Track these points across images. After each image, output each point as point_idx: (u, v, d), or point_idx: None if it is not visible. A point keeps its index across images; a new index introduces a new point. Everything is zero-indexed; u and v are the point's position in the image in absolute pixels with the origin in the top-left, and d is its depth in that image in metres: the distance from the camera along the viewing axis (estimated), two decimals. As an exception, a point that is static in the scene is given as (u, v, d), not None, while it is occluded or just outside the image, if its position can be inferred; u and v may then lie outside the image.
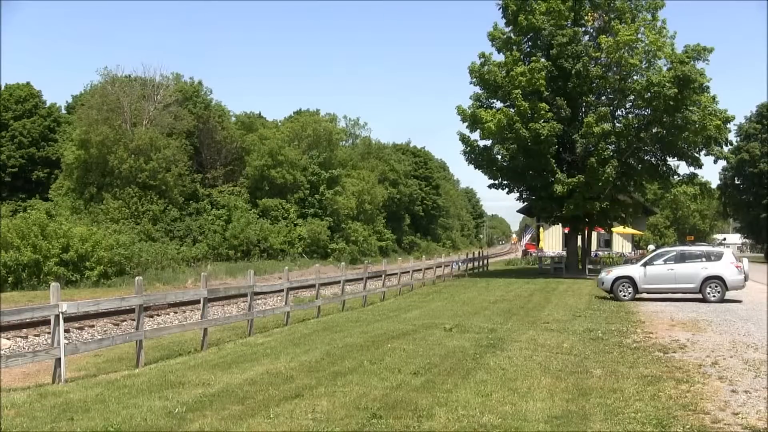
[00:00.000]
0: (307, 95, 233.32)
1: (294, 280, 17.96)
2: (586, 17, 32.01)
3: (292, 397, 7.49)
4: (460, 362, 9.67)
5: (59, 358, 8.77)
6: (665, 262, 20.27)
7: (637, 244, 46.84)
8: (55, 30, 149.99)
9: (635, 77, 30.39)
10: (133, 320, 12.12)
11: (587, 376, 8.75)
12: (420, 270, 30.58)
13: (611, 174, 29.57)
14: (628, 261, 30.97)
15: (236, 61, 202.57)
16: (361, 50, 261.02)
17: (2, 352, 12.12)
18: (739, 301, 19.48)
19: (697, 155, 31.52)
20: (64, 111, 55.31)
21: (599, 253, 44.27)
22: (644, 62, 30.19)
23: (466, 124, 31.87)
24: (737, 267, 19.69)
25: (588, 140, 29.91)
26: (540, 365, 9.45)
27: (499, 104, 32.41)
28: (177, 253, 39.03)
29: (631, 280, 20.21)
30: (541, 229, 47.98)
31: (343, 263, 23.13)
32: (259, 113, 61.55)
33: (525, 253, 59.62)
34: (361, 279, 21.86)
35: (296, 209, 51.42)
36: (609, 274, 20.80)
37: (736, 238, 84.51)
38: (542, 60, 30.65)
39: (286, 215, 50.37)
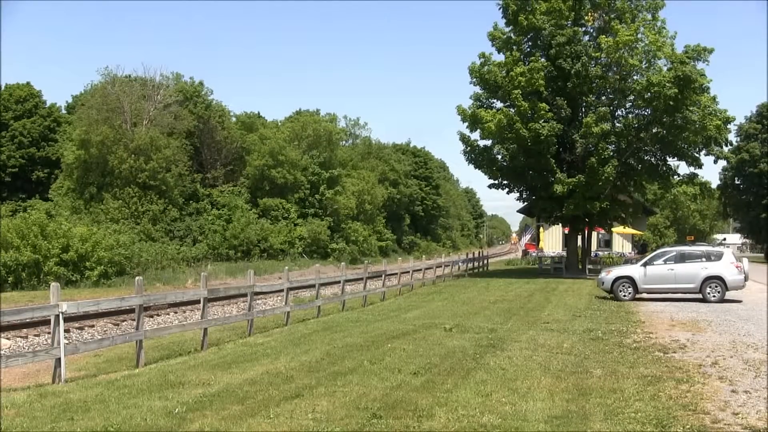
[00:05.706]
0: (307, 95, 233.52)
1: (294, 280, 17.94)
2: (586, 17, 32.02)
3: (292, 397, 7.49)
4: (460, 362, 9.67)
5: (59, 358, 8.78)
6: (665, 262, 20.26)
7: (636, 244, 46.86)
8: (55, 30, 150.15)
9: (635, 77, 30.38)
10: (133, 320, 12.13)
11: (587, 376, 8.75)
12: (420, 270, 30.57)
13: (611, 174, 29.57)
14: (628, 261, 30.95)
15: (236, 61, 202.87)
16: (361, 50, 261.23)
17: (2, 352, 12.11)
18: (739, 301, 19.47)
19: (697, 155, 31.52)
20: (64, 111, 55.26)
21: (599, 253, 44.21)
22: (644, 62, 30.19)
23: (466, 124, 31.91)
24: (737, 267, 19.68)
25: (588, 140, 29.93)
26: (540, 365, 9.45)
27: (499, 104, 32.45)
28: (177, 253, 39.04)
29: (631, 280, 20.20)
30: (541, 229, 47.97)
31: (343, 263, 23.10)
32: (259, 113, 61.74)
33: (525, 253, 59.55)
34: (361, 279, 21.83)
35: (296, 209, 51.45)
36: (609, 274, 20.79)
37: (736, 238, 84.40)
38: (542, 60, 30.65)
39: (286, 215, 50.39)
